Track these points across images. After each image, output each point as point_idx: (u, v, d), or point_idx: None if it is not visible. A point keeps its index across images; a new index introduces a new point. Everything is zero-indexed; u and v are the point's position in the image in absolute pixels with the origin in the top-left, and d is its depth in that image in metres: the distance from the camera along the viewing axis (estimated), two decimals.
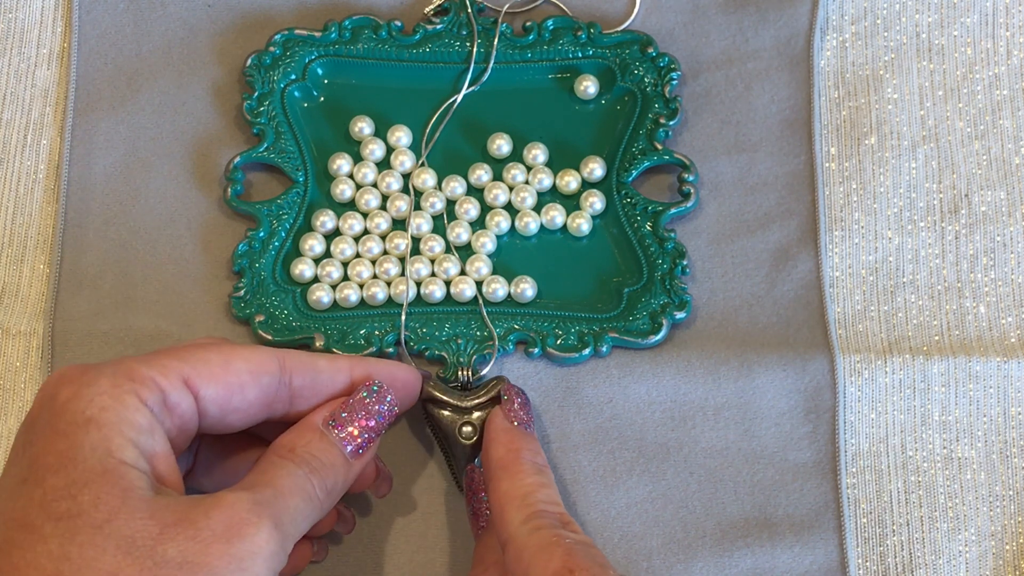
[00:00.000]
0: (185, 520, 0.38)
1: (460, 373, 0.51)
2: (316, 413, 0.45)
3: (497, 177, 0.55)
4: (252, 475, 0.42)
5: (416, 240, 0.54)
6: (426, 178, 0.55)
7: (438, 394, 0.49)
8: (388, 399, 0.46)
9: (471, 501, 0.48)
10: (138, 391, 0.40)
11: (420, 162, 0.55)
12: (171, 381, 0.41)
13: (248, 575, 0.39)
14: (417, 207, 0.54)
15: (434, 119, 0.56)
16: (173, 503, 0.39)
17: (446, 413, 0.49)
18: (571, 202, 0.55)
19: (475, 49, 0.56)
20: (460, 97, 0.56)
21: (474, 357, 0.52)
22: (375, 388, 0.46)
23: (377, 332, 0.52)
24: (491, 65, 0.56)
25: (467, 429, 0.49)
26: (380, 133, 0.56)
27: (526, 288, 0.53)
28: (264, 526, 0.39)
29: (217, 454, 0.48)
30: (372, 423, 0.45)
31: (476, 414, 0.49)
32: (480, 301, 0.53)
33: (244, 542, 0.39)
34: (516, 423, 0.47)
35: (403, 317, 0.52)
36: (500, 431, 0.47)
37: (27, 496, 0.38)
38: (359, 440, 0.45)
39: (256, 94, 0.55)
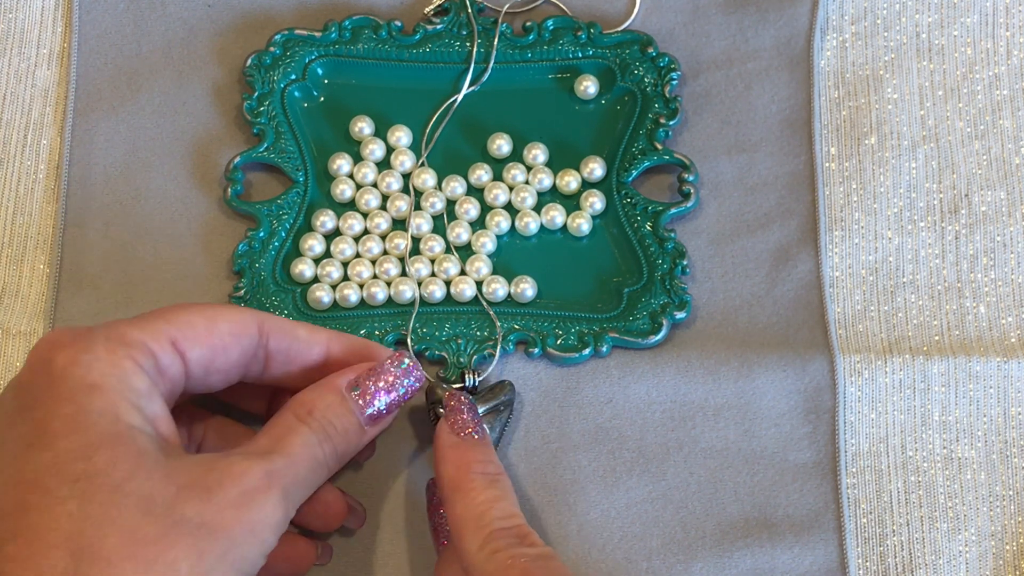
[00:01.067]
0: (200, 484, 0.39)
1: (467, 376, 0.51)
2: (340, 375, 0.45)
3: (497, 177, 0.55)
4: (267, 438, 0.43)
5: (416, 240, 0.54)
6: (426, 178, 0.55)
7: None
8: (414, 374, 0.46)
9: (432, 517, 0.49)
10: (134, 356, 0.41)
11: (420, 162, 0.55)
12: (161, 344, 0.42)
13: (258, 539, 0.40)
14: (417, 207, 0.54)
15: (434, 119, 0.56)
16: (186, 465, 0.40)
17: None
18: (571, 202, 0.55)
19: (475, 49, 0.56)
20: (460, 97, 0.56)
21: (474, 357, 0.52)
22: (404, 363, 0.46)
23: (377, 332, 0.52)
24: (491, 65, 0.56)
25: None
26: (380, 133, 0.56)
27: (526, 288, 0.53)
28: (274, 495, 0.40)
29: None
30: (394, 396, 0.45)
31: (488, 419, 0.50)
32: (483, 299, 0.53)
33: (255, 511, 0.40)
34: (462, 435, 0.47)
35: (412, 319, 0.52)
36: (447, 448, 0.46)
37: (35, 460, 0.38)
38: (379, 409, 0.45)
39: (256, 94, 0.55)
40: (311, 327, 0.47)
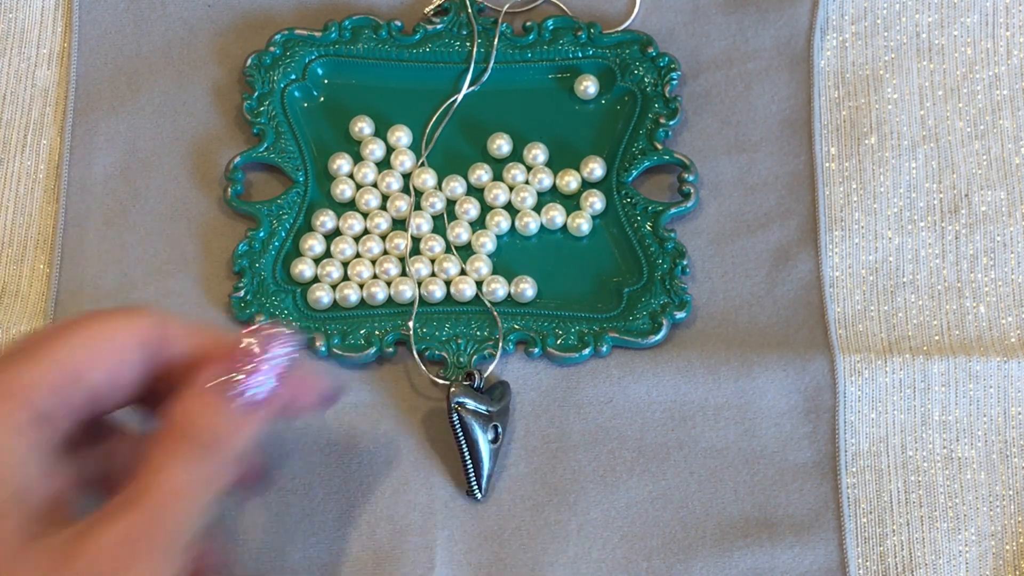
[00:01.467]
0: (62, 567, 0.35)
1: (475, 377, 0.51)
2: (201, 373, 0.38)
3: (497, 177, 0.55)
4: (136, 479, 0.37)
5: (416, 240, 0.54)
6: (426, 178, 0.55)
7: (470, 401, 0.50)
8: (279, 342, 0.39)
9: None
10: (10, 412, 0.36)
11: (420, 162, 0.55)
12: (46, 387, 0.37)
13: None
14: (417, 207, 0.54)
15: (434, 119, 0.56)
16: (47, 548, 0.35)
17: (478, 420, 0.50)
18: (571, 202, 0.55)
19: (475, 49, 0.56)
20: (460, 97, 0.56)
21: (474, 357, 0.52)
22: (263, 333, 0.39)
23: (377, 332, 0.52)
24: (491, 65, 0.56)
25: (491, 435, 0.50)
26: (380, 133, 0.56)
27: (526, 288, 0.53)
28: (150, 561, 0.35)
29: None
30: (264, 370, 0.38)
31: (500, 418, 0.50)
32: (486, 299, 0.53)
33: None
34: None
35: (412, 319, 0.52)
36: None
37: None
38: (258, 391, 0.38)
39: (256, 94, 0.55)
40: (189, 328, 0.40)
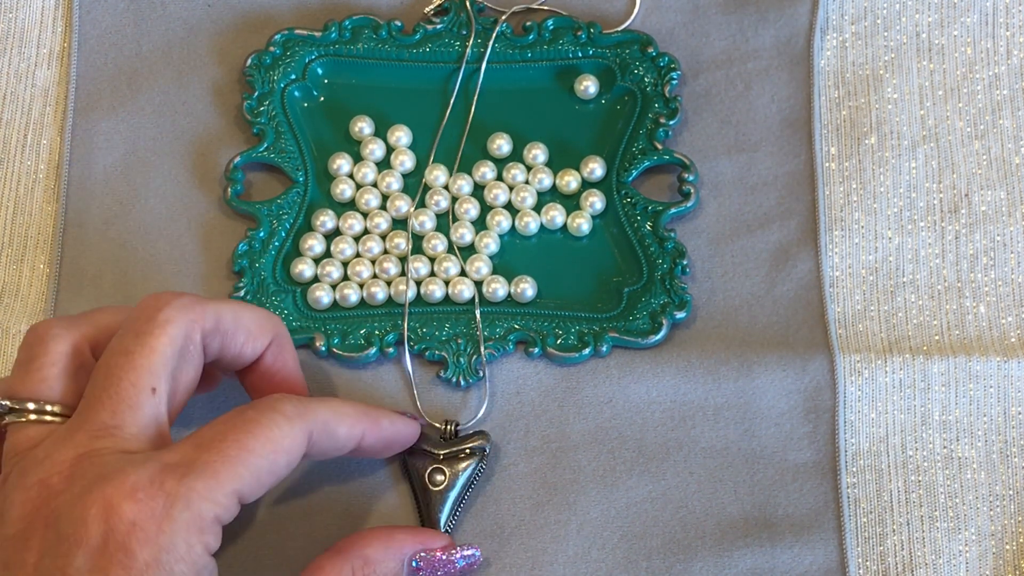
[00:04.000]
0: None
1: (446, 427, 0.51)
2: (405, 538, 0.47)
3: (497, 177, 0.55)
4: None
5: (419, 238, 0.54)
6: (438, 175, 0.55)
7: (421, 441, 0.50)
8: (470, 562, 0.48)
9: None
10: (206, 542, 0.40)
11: (430, 158, 0.55)
12: (229, 505, 0.41)
13: None
14: (422, 204, 0.54)
15: (447, 117, 0.56)
16: None
17: (419, 459, 0.50)
18: (571, 202, 0.55)
19: (477, 49, 0.56)
20: (476, 98, 0.56)
21: (474, 357, 0.52)
22: (470, 558, 0.48)
23: (377, 332, 0.52)
24: (483, 65, 0.56)
25: (438, 477, 0.49)
26: (380, 133, 0.56)
27: (526, 288, 0.53)
28: None
29: None
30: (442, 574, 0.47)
31: (450, 463, 0.50)
32: (476, 304, 0.53)
33: None
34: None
35: (404, 319, 0.52)
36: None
37: None
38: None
39: (256, 94, 0.55)
40: (350, 421, 0.46)
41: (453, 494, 0.49)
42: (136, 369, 0.42)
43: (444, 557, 0.47)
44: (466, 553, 0.48)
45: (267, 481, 0.42)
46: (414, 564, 0.46)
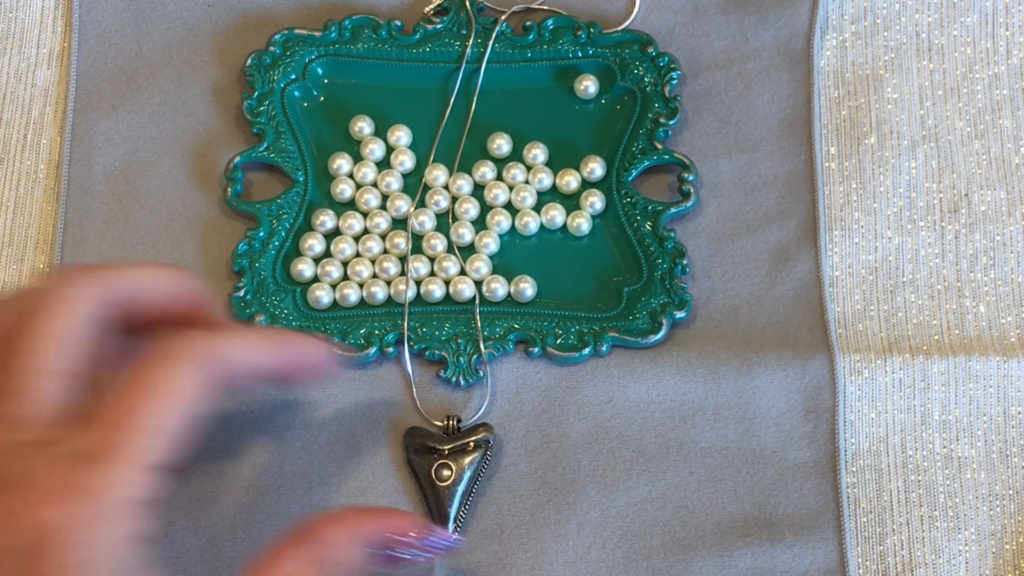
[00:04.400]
0: None
1: (448, 422, 0.51)
2: (360, 518, 0.43)
3: (497, 177, 0.55)
4: (256, 563, 0.41)
5: (419, 238, 0.54)
6: (438, 174, 0.55)
7: (417, 438, 0.50)
8: (442, 544, 0.44)
9: None
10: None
11: (430, 158, 0.55)
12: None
13: None
14: (422, 204, 0.54)
15: (447, 116, 0.56)
16: None
17: (424, 456, 0.50)
18: (571, 202, 0.55)
19: (477, 49, 0.56)
20: (476, 96, 0.56)
21: (474, 357, 0.52)
22: (439, 541, 0.44)
23: (377, 331, 0.52)
24: (484, 65, 0.56)
25: (445, 472, 0.49)
26: (380, 133, 0.56)
27: (526, 288, 0.53)
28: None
29: None
30: (408, 558, 0.44)
31: (456, 457, 0.50)
32: (476, 304, 0.53)
33: None
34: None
35: (404, 318, 0.52)
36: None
37: None
38: (385, 563, 0.43)
39: (256, 94, 0.55)
40: (253, 347, 0.43)
41: (461, 488, 0.50)
42: (35, 353, 0.40)
43: (415, 540, 0.44)
44: (441, 536, 0.44)
45: (183, 434, 0.40)
46: (387, 550, 0.43)
